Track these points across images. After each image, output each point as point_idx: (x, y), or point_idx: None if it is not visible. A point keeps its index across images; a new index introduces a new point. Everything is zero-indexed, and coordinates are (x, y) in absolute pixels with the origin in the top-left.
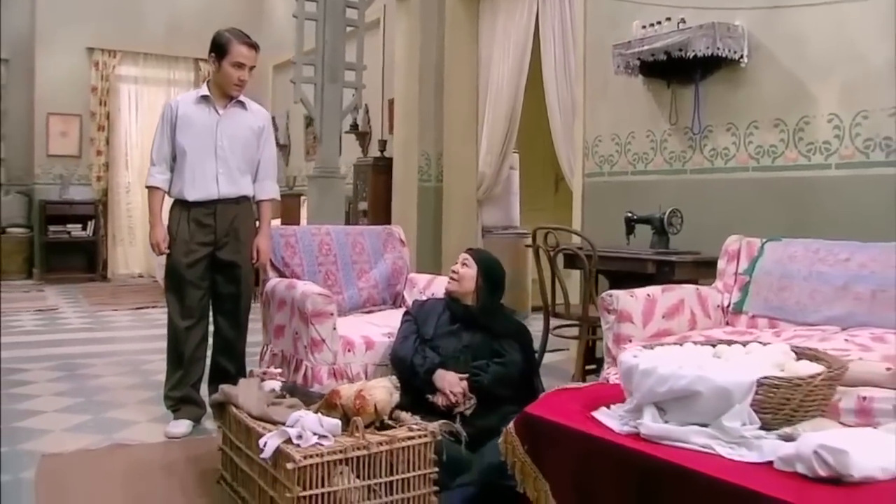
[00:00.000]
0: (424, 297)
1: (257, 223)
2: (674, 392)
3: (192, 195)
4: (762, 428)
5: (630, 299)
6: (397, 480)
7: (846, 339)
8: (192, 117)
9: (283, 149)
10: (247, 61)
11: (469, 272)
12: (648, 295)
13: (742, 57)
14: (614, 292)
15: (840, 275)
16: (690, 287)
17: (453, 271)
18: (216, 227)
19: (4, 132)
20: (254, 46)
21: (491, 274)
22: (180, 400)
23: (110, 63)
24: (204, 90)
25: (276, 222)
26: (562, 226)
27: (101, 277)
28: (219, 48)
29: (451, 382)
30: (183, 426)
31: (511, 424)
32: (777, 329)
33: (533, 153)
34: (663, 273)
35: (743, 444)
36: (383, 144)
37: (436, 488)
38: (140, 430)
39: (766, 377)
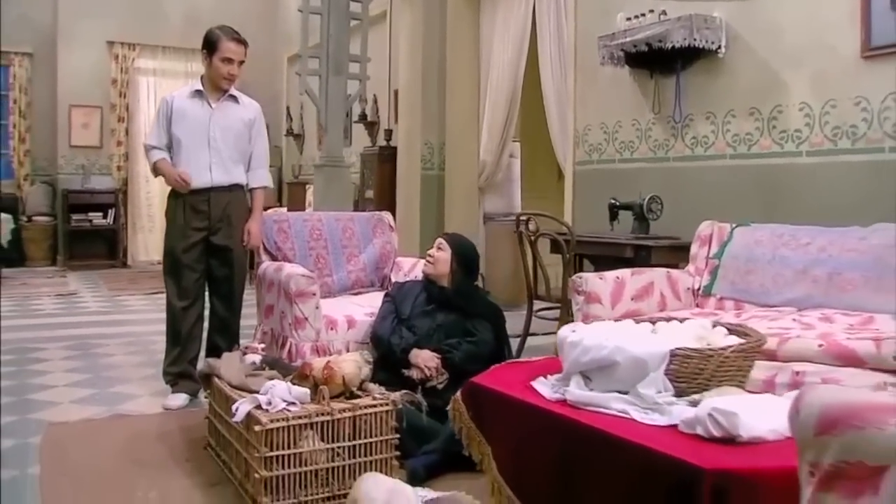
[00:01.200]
0: (409, 280)
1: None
2: (596, 361)
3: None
4: (677, 395)
5: (599, 281)
6: (360, 445)
7: (794, 319)
8: (187, 110)
9: (298, 138)
10: (235, 56)
11: (444, 256)
12: (617, 277)
13: (720, 48)
14: (584, 274)
15: (800, 258)
16: (661, 270)
17: (429, 255)
18: (210, 213)
19: (29, 124)
20: (242, 42)
21: (464, 257)
22: (178, 375)
23: (130, 56)
24: (197, 85)
25: (283, 210)
26: (542, 212)
27: (122, 264)
28: (209, 45)
29: (425, 358)
30: (179, 399)
31: (458, 393)
32: (740, 310)
33: (536, 142)
34: (641, 257)
35: (656, 409)
36: (389, 134)
37: (397, 453)
38: (141, 403)
39: (679, 348)
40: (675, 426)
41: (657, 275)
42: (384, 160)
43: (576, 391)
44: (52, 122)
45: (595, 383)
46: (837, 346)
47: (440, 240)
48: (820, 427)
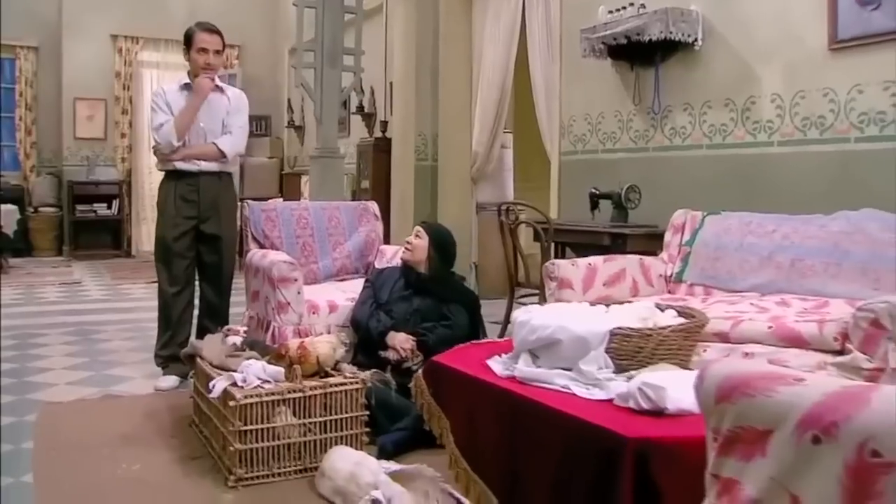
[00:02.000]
0: (388, 266)
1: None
2: (541, 340)
3: (181, 165)
4: (618, 371)
5: (571, 268)
6: (331, 420)
7: (751, 304)
8: (176, 103)
9: (299, 130)
10: (209, 45)
11: (421, 243)
12: (590, 264)
13: (696, 40)
14: (557, 261)
15: (766, 245)
16: (634, 257)
17: (407, 242)
18: (200, 202)
19: (35, 117)
20: (215, 32)
21: (441, 244)
22: (168, 358)
23: (133, 49)
24: (185, 79)
25: (279, 200)
26: (522, 201)
27: (126, 254)
28: (187, 40)
29: (400, 340)
30: (170, 381)
31: (420, 371)
32: (708, 296)
33: (529, 133)
34: (617, 245)
35: (597, 384)
36: (384, 125)
37: (367, 429)
38: (133, 385)
39: (619, 327)
40: (611, 400)
41: (630, 262)
42: (380, 151)
43: (524, 368)
44: (58, 115)
45: (542, 360)
46: (784, 328)
47: (418, 227)
48: (719, 395)
